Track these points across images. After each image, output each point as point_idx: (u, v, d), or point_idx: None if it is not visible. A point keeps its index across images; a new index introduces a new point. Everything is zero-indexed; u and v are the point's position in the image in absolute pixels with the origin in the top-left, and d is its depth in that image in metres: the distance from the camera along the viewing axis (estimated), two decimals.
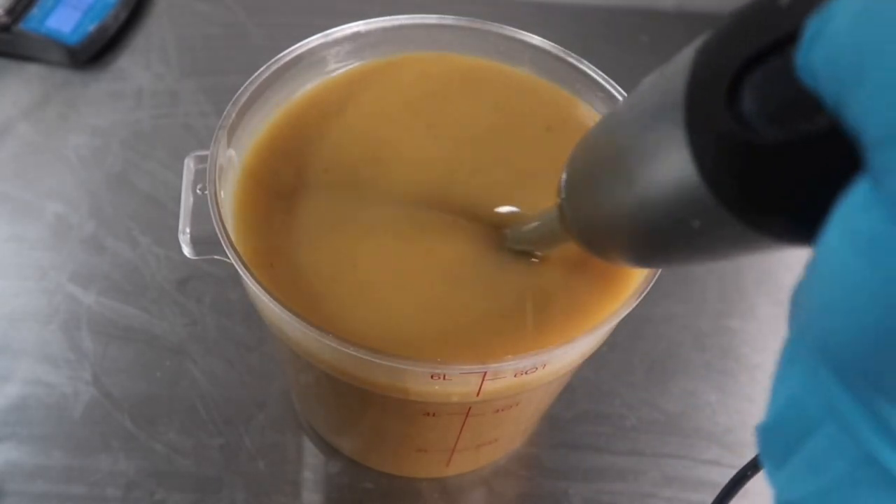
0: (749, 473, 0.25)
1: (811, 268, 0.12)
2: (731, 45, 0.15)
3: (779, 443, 0.13)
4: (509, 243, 0.28)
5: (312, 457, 0.38)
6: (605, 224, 0.21)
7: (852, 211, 0.11)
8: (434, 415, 0.29)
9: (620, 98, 0.30)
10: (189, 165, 0.28)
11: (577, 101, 0.33)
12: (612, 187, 0.19)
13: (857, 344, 0.11)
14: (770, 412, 0.14)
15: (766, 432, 0.14)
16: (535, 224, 0.27)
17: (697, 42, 0.16)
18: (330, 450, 0.38)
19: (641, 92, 0.18)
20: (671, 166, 0.16)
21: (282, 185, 0.30)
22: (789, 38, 0.13)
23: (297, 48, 0.31)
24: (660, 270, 0.26)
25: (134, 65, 0.54)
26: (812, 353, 0.12)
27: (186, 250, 0.28)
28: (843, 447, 0.12)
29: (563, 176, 0.23)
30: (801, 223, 0.14)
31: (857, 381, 0.11)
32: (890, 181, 0.10)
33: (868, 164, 0.11)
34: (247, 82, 0.29)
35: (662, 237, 0.18)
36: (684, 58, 0.16)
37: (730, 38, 0.15)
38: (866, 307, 0.11)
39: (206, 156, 0.27)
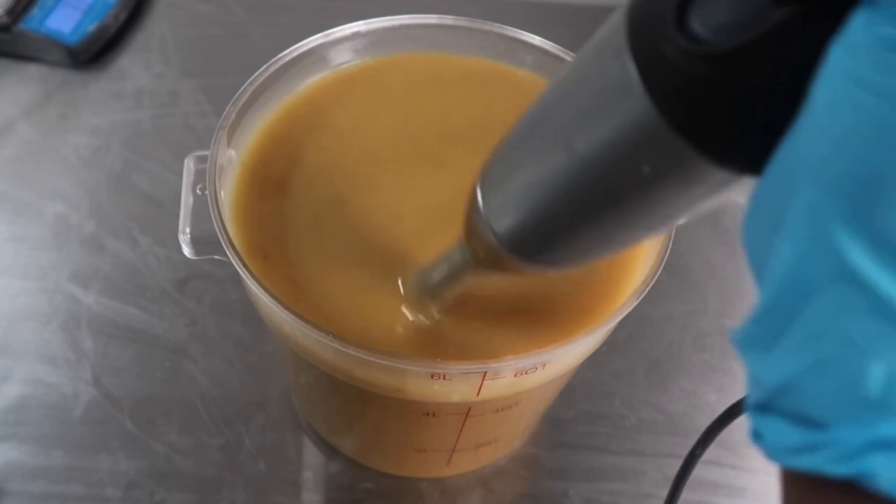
0: (697, 452, 0.25)
1: (798, 135, 0.12)
2: None
3: (770, 326, 0.13)
4: (408, 295, 0.27)
5: (312, 457, 0.38)
6: (540, 210, 0.19)
7: (848, 51, 0.11)
8: (434, 415, 0.29)
9: None
10: (189, 165, 0.28)
11: None
12: (546, 161, 0.18)
13: (874, 171, 0.11)
14: (764, 296, 0.13)
15: (755, 321, 0.14)
16: (439, 266, 0.25)
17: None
18: (330, 450, 0.38)
19: (565, 70, 0.18)
20: (617, 108, 0.15)
21: (282, 185, 0.30)
22: None
23: (296, 48, 0.31)
24: (659, 270, 0.26)
25: (134, 65, 0.54)
26: (820, 209, 0.12)
27: (186, 250, 0.28)
28: (852, 302, 0.12)
29: (478, 186, 0.21)
30: (757, 141, 0.14)
31: (871, 222, 0.11)
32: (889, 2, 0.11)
33: None
34: (247, 82, 0.29)
35: (611, 198, 0.17)
36: (615, 16, 0.16)
37: None
38: (882, 133, 0.11)
39: (206, 156, 0.27)
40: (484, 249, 0.22)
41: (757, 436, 0.14)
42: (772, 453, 0.14)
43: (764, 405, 0.14)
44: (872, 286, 0.11)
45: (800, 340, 0.13)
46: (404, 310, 0.27)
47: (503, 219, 0.20)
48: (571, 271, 0.21)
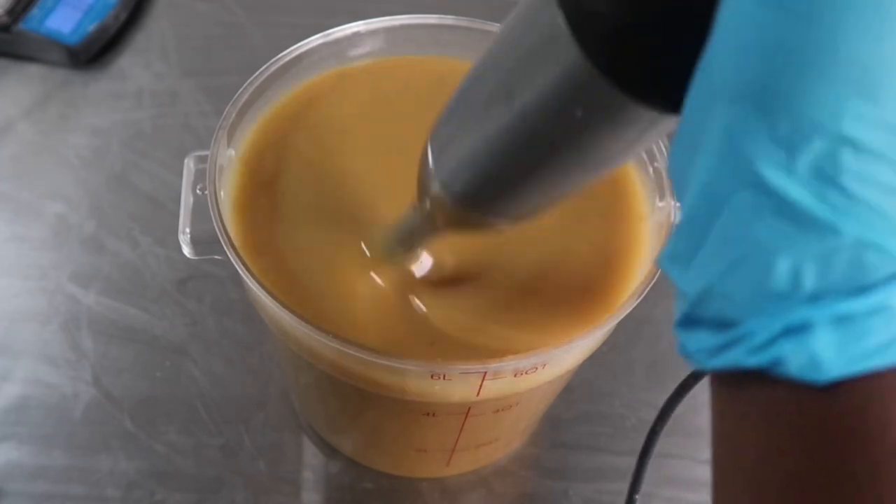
0: (658, 428, 0.26)
1: (708, 58, 0.13)
2: None
3: (689, 239, 0.14)
4: (373, 252, 0.27)
5: (312, 457, 0.38)
6: (484, 159, 0.20)
7: None
8: (434, 415, 0.29)
9: None
10: (189, 165, 0.28)
11: None
12: (490, 109, 0.19)
13: (772, 79, 0.12)
14: (683, 211, 0.14)
15: (676, 236, 0.15)
16: (398, 224, 0.26)
17: None
18: (330, 450, 0.38)
19: (502, 28, 0.19)
20: (547, 57, 0.16)
21: (282, 185, 0.30)
22: None
23: (296, 48, 0.31)
24: (659, 271, 0.26)
25: (134, 65, 0.54)
26: (728, 120, 0.13)
27: (186, 250, 0.28)
28: (759, 206, 0.13)
29: (427, 148, 0.22)
30: (674, 75, 0.14)
31: (774, 114, 0.12)
32: None
33: None
34: (247, 82, 0.29)
35: (545, 143, 0.18)
36: None
37: None
38: (783, 31, 0.12)
39: (206, 156, 0.27)
40: (437, 207, 0.23)
41: (683, 349, 0.15)
42: (695, 359, 0.15)
43: (688, 318, 0.15)
44: (776, 189, 0.12)
45: (715, 247, 0.14)
46: (372, 274, 0.27)
47: (453, 174, 0.21)
48: (520, 222, 0.22)
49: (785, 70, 0.12)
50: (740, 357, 0.14)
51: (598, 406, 0.41)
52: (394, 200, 0.29)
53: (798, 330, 0.13)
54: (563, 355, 0.26)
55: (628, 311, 0.25)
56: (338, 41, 0.32)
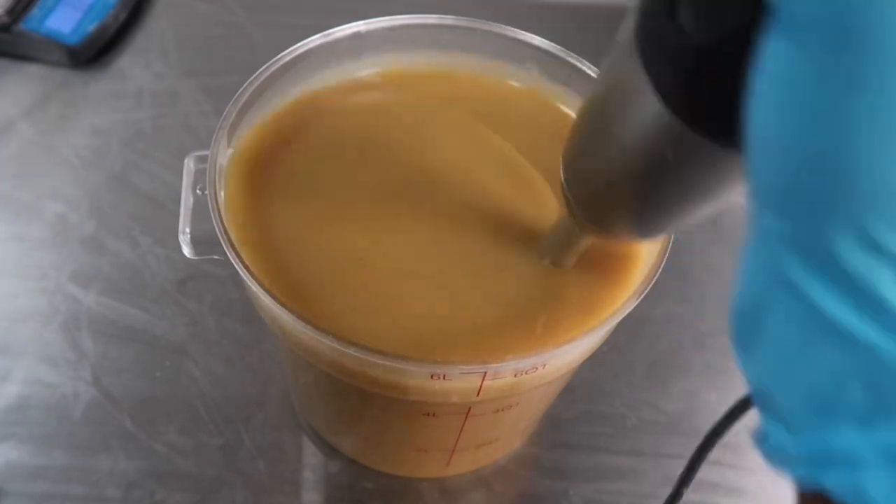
0: (703, 454, 0.26)
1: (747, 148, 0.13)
2: None
3: (744, 329, 0.14)
4: (542, 257, 0.29)
5: (312, 457, 0.38)
6: (601, 189, 0.22)
7: (764, 60, 0.12)
8: (434, 415, 0.29)
9: None
10: (189, 165, 0.28)
11: (577, 102, 0.33)
12: (598, 148, 0.21)
13: (787, 176, 0.11)
14: (736, 300, 0.14)
15: (734, 321, 0.14)
16: (554, 231, 0.28)
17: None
18: (330, 450, 0.38)
19: (601, 72, 0.21)
20: (636, 100, 0.17)
21: (282, 185, 0.30)
22: None
23: (296, 48, 0.31)
24: (659, 270, 0.26)
25: (134, 65, 0.54)
26: (763, 225, 0.12)
27: (186, 250, 0.28)
28: (793, 311, 0.12)
29: (562, 162, 0.24)
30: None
31: (801, 229, 0.12)
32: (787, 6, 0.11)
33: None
34: (247, 82, 0.29)
35: (648, 180, 0.19)
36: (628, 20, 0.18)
37: None
38: (798, 136, 0.11)
39: (206, 156, 0.27)
40: (571, 217, 0.25)
41: (762, 438, 0.14)
42: (772, 457, 0.14)
43: (758, 403, 0.14)
44: (810, 299, 0.12)
45: (766, 346, 0.13)
46: (372, 274, 0.28)
47: (577, 196, 0.24)
48: (641, 239, 0.26)
49: (821, 181, 0.11)
50: (792, 466, 0.13)
51: (598, 406, 0.41)
52: (394, 200, 0.29)
53: (844, 459, 0.12)
54: (563, 355, 0.26)
55: (628, 311, 0.25)
56: (338, 41, 0.32)
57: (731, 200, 0.19)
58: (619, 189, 0.21)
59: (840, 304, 0.11)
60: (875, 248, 0.11)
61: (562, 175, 0.24)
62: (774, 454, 0.13)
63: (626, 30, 0.18)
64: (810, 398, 0.12)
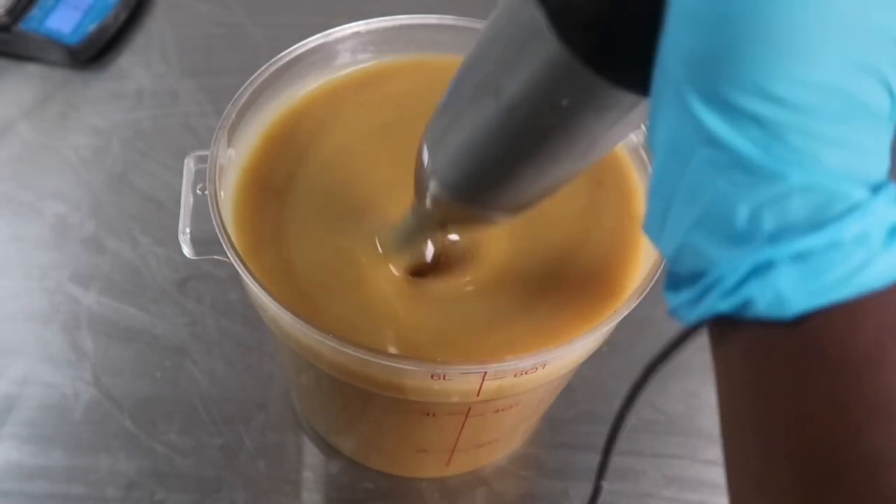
0: (635, 393, 0.26)
1: (664, 34, 0.14)
2: None
3: (660, 200, 0.16)
4: (384, 250, 0.28)
5: (312, 457, 0.38)
6: (478, 152, 0.21)
7: None
8: (434, 415, 0.29)
9: None
10: (189, 165, 0.28)
11: None
12: (479, 106, 0.20)
13: (712, 45, 0.13)
14: (652, 175, 0.16)
15: (650, 199, 0.16)
16: (403, 222, 0.27)
17: None
18: (330, 450, 0.38)
19: (485, 27, 0.20)
20: (531, 52, 0.17)
21: (282, 185, 0.30)
22: None
23: (296, 48, 0.31)
24: (660, 270, 0.26)
25: (134, 65, 0.54)
26: (680, 84, 0.14)
27: (186, 250, 0.28)
28: (715, 160, 0.14)
29: (422, 147, 0.23)
30: (648, 59, 0.15)
31: (714, 81, 0.13)
32: None
33: None
34: (247, 82, 0.29)
35: (538, 134, 0.19)
36: None
37: None
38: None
39: (206, 156, 0.27)
40: (435, 203, 0.23)
41: (671, 311, 0.17)
42: (678, 315, 0.16)
43: (670, 278, 0.16)
44: (728, 144, 0.14)
45: (682, 204, 0.15)
46: (372, 274, 0.27)
47: (447, 168, 0.22)
48: (518, 213, 0.23)
49: (728, 37, 0.13)
50: (714, 304, 0.15)
51: (598, 406, 0.41)
52: (395, 199, 0.29)
53: (762, 270, 0.14)
54: (563, 355, 0.26)
55: (628, 311, 0.25)
56: (338, 41, 0.32)
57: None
58: (497, 148, 0.20)
59: (750, 144, 0.13)
60: (775, 96, 0.13)
61: (424, 145, 0.23)
62: (686, 307, 0.16)
63: None
64: (727, 233, 0.14)
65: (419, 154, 0.23)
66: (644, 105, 0.17)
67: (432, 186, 0.23)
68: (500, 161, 0.21)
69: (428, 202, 0.24)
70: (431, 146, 0.22)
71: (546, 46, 0.17)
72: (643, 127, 0.29)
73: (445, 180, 0.22)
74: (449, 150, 0.22)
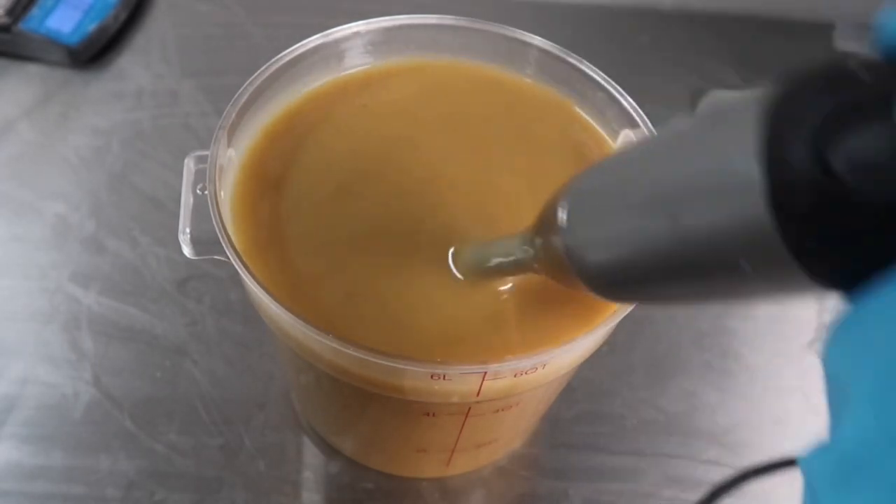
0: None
1: None
2: (811, 99, 0.14)
3: (845, 466, 0.13)
4: (460, 269, 0.27)
5: (312, 457, 0.38)
6: (625, 260, 0.19)
7: None
8: (434, 415, 0.29)
9: (622, 100, 0.30)
10: (189, 165, 0.28)
11: (576, 102, 0.33)
12: (646, 222, 0.18)
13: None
14: (843, 437, 0.14)
15: (833, 458, 0.14)
16: (498, 251, 0.26)
17: (758, 92, 0.15)
18: (330, 450, 0.38)
19: (684, 133, 0.18)
20: (732, 203, 0.15)
21: (282, 185, 0.30)
22: (876, 100, 0.13)
23: (296, 48, 0.31)
24: None
25: (134, 65, 0.54)
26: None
27: (186, 250, 0.28)
28: None
29: (564, 206, 0.21)
30: (862, 270, 0.14)
31: None
32: None
33: None
34: (247, 82, 0.29)
35: (698, 274, 0.17)
36: (744, 105, 0.15)
37: (806, 93, 0.14)
38: None
39: (206, 156, 0.27)
40: (550, 259, 0.23)
41: None
42: None
43: None
44: None
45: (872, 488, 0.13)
46: (372, 273, 0.27)
47: (583, 247, 0.21)
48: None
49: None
50: None
51: (598, 406, 0.41)
52: (395, 199, 0.29)
53: None
54: (563, 355, 0.25)
55: (628, 311, 0.25)
56: (338, 41, 0.32)
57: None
58: (649, 266, 0.19)
59: None
60: None
61: (561, 205, 0.21)
62: None
63: (740, 113, 0.15)
64: None
65: (552, 207, 0.22)
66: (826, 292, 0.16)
67: (557, 248, 0.22)
68: (646, 277, 0.19)
69: (542, 250, 0.23)
70: (571, 211, 0.21)
71: (753, 213, 0.15)
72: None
73: (574, 253, 0.21)
74: (591, 231, 0.21)
